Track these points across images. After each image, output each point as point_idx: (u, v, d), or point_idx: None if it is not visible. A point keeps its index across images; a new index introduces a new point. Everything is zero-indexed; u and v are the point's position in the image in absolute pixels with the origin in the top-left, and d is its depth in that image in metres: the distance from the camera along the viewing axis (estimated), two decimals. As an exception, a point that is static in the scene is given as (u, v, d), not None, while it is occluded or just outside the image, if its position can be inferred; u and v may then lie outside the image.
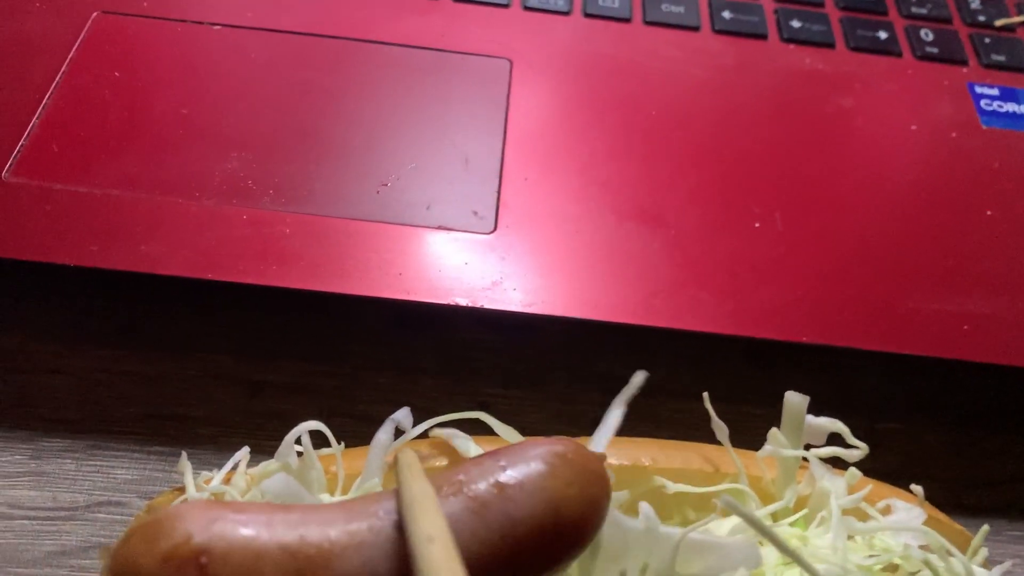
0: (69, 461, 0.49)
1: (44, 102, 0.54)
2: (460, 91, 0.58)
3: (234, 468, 0.41)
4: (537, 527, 0.30)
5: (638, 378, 0.40)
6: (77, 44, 0.57)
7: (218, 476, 0.40)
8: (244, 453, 0.41)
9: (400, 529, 0.30)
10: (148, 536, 0.29)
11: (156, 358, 0.53)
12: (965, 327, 0.51)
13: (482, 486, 0.31)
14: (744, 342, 0.49)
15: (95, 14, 0.59)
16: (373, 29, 0.60)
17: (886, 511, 0.42)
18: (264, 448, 0.44)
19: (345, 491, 0.41)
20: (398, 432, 0.41)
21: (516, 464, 0.32)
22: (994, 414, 0.55)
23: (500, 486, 0.31)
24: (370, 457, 0.41)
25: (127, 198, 0.50)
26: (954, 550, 0.38)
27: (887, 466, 0.52)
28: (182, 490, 0.41)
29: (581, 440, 0.44)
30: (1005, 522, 0.52)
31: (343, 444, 0.42)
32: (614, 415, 0.40)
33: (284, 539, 0.29)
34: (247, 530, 0.30)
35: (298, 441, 0.40)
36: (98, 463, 0.49)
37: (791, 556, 0.34)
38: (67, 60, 0.56)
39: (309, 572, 0.29)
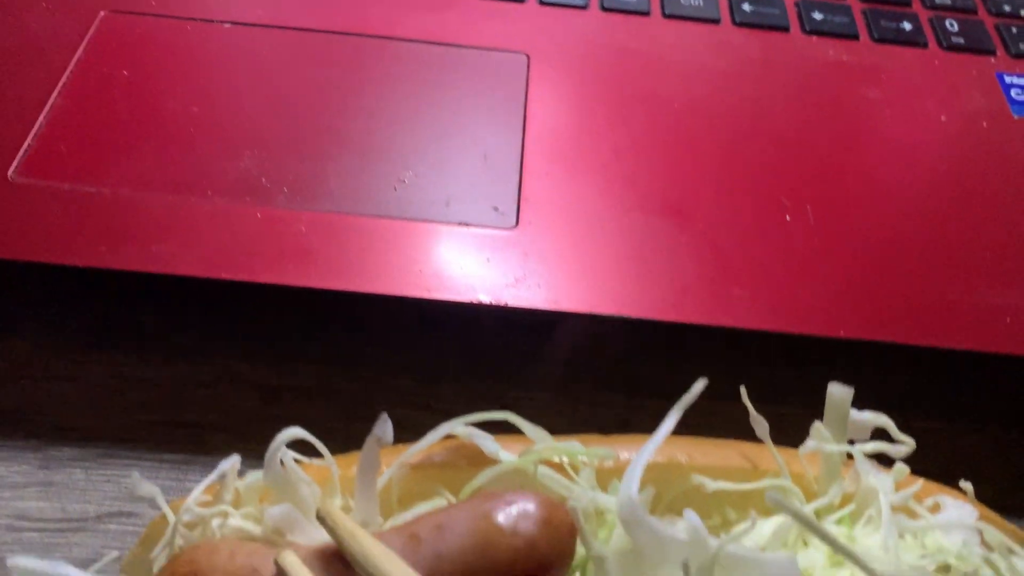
0: (79, 471, 0.47)
1: (51, 102, 0.52)
2: (477, 86, 0.56)
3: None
4: (462, 564, 0.33)
5: (698, 385, 0.38)
6: (84, 43, 0.56)
7: (199, 488, 0.38)
8: (232, 463, 0.39)
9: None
10: (165, 566, 0.35)
11: (169, 364, 0.51)
12: (1008, 320, 0.49)
13: (425, 526, 0.34)
14: (780, 338, 0.48)
15: (102, 13, 0.58)
16: (388, 25, 0.59)
17: (934, 509, 0.40)
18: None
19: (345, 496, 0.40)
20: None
21: (464, 509, 0.35)
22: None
23: (439, 526, 0.34)
24: (359, 479, 0.39)
25: (137, 198, 0.49)
26: (1016, 547, 0.35)
27: (928, 467, 0.50)
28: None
29: (619, 440, 0.42)
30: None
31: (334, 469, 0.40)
32: (668, 423, 0.38)
33: (255, 563, 0.34)
34: (232, 557, 0.34)
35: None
36: (109, 472, 0.47)
37: (844, 553, 0.32)
38: (74, 60, 0.55)
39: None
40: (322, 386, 0.51)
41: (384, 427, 0.39)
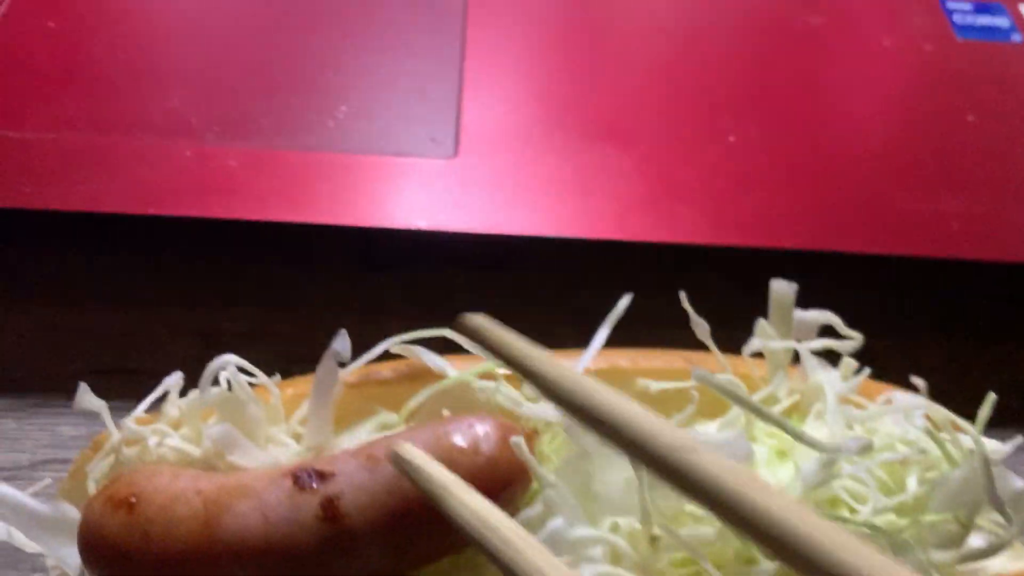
0: (10, 420, 0.45)
1: (-28, 52, 0.51)
2: (413, 16, 0.55)
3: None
4: None
5: (624, 301, 0.37)
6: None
7: (141, 406, 0.37)
8: (176, 380, 0.38)
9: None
10: (105, 487, 0.35)
11: (102, 311, 0.49)
12: (954, 226, 0.48)
13: (382, 447, 0.34)
14: (725, 254, 0.47)
15: (26, -32, 0.56)
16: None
17: (887, 405, 0.39)
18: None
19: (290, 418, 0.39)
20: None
21: (421, 430, 0.35)
22: (991, 325, 0.53)
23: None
24: (314, 395, 0.38)
25: (61, 140, 0.47)
26: (963, 423, 0.34)
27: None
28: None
29: (564, 355, 0.41)
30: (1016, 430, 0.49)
31: (277, 375, 0.39)
32: (599, 338, 0.37)
33: (199, 485, 0.33)
34: (174, 479, 0.34)
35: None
36: (42, 421, 0.45)
37: (782, 427, 0.32)
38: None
39: (213, 511, 0.33)
40: (261, 328, 0.50)
41: (343, 342, 0.37)
